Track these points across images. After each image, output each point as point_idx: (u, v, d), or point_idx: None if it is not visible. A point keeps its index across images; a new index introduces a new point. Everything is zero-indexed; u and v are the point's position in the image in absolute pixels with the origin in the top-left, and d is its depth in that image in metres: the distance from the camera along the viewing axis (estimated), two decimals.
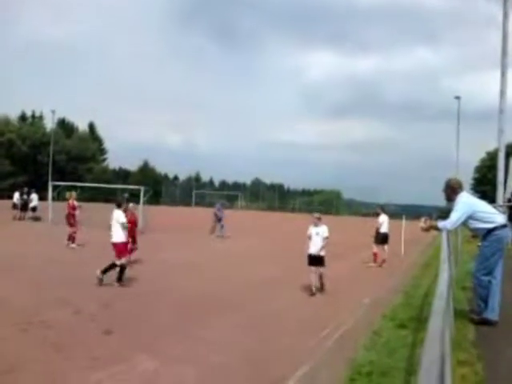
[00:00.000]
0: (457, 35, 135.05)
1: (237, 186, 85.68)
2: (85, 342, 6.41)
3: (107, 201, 61.31)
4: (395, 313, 8.41)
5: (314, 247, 10.19)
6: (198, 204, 71.20)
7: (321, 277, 10.39)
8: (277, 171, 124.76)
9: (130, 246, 12.06)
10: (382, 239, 15.79)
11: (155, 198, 61.16)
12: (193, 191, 74.13)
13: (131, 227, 12.14)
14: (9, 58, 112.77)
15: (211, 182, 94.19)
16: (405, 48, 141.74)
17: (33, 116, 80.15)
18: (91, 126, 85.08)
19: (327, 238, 10.19)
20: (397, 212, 35.78)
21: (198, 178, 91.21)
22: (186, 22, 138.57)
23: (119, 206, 11.07)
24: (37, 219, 26.86)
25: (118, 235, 10.61)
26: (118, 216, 10.67)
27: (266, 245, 21.37)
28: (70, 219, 17.14)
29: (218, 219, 24.18)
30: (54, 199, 28.10)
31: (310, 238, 10.36)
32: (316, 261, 10.19)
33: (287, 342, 6.90)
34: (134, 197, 28.07)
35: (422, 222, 7.46)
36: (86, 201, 36.90)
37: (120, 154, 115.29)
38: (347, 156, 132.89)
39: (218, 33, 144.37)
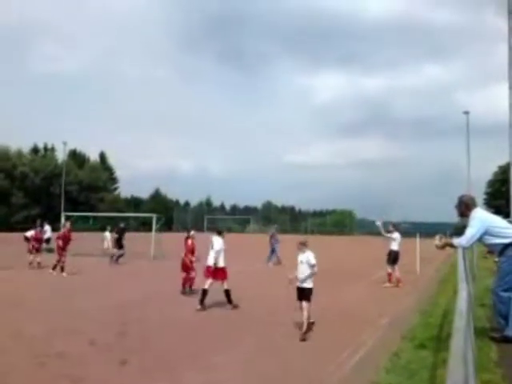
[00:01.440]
0: (465, 50, 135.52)
1: (248, 210, 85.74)
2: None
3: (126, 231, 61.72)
4: (414, 333, 8.28)
5: (299, 278, 8.68)
6: (209, 229, 71.20)
7: (308, 315, 8.59)
8: (288, 193, 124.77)
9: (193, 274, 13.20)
10: (394, 258, 15.54)
11: (167, 225, 61.30)
12: (204, 216, 74.19)
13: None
14: (20, 91, 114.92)
15: (222, 207, 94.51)
16: (413, 65, 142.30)
17: (45, 148, 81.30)
18: (102, 156, 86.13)
19: (314, 265, 8.61)
20: (410, 230, 35.50)
21: (209, 203, 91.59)
22: (195, 46, 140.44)
23: (220, 233, 11.74)
24: (50, 251, 26.92)
25: (221, 261, 11.28)
26: (219, 243, 11.34)
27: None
28: (61, 248, 17.43)
29: (273, 246, 23.32)
30: None
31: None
32: (301, 294, 8.65)
33: (304, 364, 6.78)
34: (146, 225, 28.16)
35: (437, 240, 7.40)
36: (99, 230, 37.06)
37: (131, 183, 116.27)
38: (359, 175, 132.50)
39: (228, 55, 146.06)
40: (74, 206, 53.43)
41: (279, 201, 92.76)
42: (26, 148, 77.52)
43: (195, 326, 9.31)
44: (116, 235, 22.02)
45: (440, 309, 10.52)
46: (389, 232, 16.24)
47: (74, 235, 18.70)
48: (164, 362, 6.88)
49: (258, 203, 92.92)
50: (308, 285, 8.64)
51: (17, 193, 69.43)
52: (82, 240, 21.28)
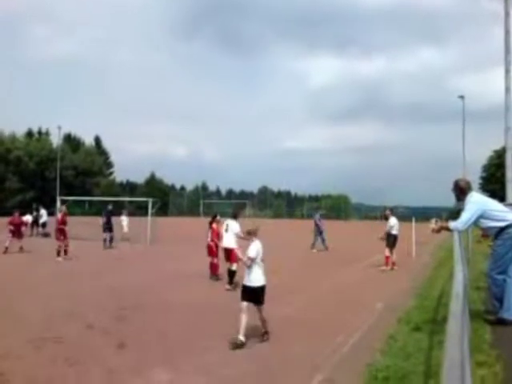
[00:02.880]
0: (461, 34, 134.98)
1: (244, 195, 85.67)
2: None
3: (113, 214, 61.81)
4: (410, 316, 8.33)
5: (247, 274, 7.06)
6: (206, 214, 71.16)
7: (263, 321, 7.19)
8: (284, 178, 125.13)
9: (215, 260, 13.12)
10: (393, 242, 15.65)
11: (163, 210, 61.22)
12: (200, 201, 74.14)
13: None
14: (14, 75, 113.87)
15: (218, 192, 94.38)
16: (409, 49, 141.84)
17: (39, 132, 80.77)
18: (97, 140, 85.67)
19: (249, 257, 6.95)
20: (406, 214, 35.61)
21: (204, 188, 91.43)
22: (189, 32, 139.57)
23: (235, 217, 12.45)
24: (46, 235, 26.91)
25: (231, 241, 11.69)
26: (234, 226, 11.92)
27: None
28: (60, 233, 17.56)
29: (320, 232, 22.61)
30: None
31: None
32: (250, 295, 6.98)
33: (300, 350, 6.82)
34: (142, 209, 28.13)
35: (433, 224, 7.42)
36: (94, 215, 37.05)
37: (127, 167, 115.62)
38: (354, 160, 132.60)
39: (221, 40, 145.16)
40: (69, 191, 53.23)
41: (275, 185, 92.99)
42: (20, 132, 77.08)
43: (195, 311, 9.33)
44: (105, 219, 21.87)
45: (435, 292, 10.59)
46: (386, 217, 16.36)
47: (70, 219, 18.71)
48: (161, 345, 6.91)
49: (253, 188, 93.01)
50: (256, 282, 6.98)
51: (11, 177, 69.10)
52: (78, 224, 21.24)
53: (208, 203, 76.93)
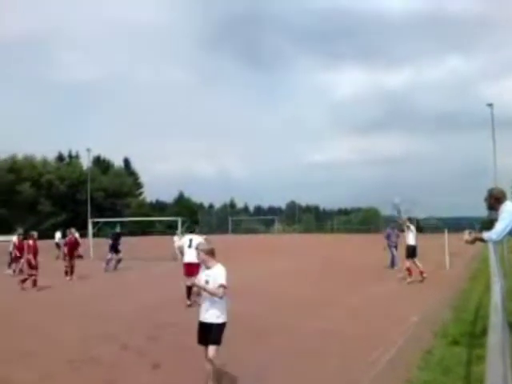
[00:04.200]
0: (488, 41, 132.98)
1: (272, 211, 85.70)
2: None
3: (144, 233, 63.21)
4: (446, 329, 8.16)
5: (204, 308, 5.59)
6: (234, 231, 71.34)
7: (213, 370, 5.58)
8: (312, 192, 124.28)
9: None
10: (412, 252, 15.35)
11: (192, 228, 61.57)
12: (228, 218, 74.38)
13: None
14: (44, 99, 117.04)
15: (246, 208, 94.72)
16: (435, 58, 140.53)
17: (69, 156, 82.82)
18: (126, 162, 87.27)
19: (223, 286, 5.44)
20: (438, 226, 35.03)
21: (232, 205, 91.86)
22: (213, 48, 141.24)
23: (194, 232, 12.95)
24: (79, 257, 27.32)
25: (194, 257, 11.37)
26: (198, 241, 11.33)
27: None
28: (69, 254, 18.08)
29: (394, 246, 19.51)
30: (94, 236, 28.66)
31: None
32: (204, 333, 5.57)
33: (336, 364, 6.74)
34: (172, 228, 28.45)
35: (467, 235, 7.28)
36: (126, 235, 37.49)
37: (156, 187, 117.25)
38: (382, 172, 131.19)
39: (245, 55, 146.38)
40: (100, 212, 54.19)
41: (303, 200, 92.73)
42: (51, 156, 79.14)
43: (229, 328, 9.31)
44: (111, 241, 21.85)
45: (472, 304, 10.36)
46: (402, 229, 16.19)
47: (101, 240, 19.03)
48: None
49: (281, 203, 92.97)
50: (215, 319, 5.50)
51: (44, 201, 70.82)
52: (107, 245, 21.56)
53: (236, 220, 77.22)
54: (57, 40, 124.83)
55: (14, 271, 19.50)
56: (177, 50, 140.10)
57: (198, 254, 5.75)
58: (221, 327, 5.52)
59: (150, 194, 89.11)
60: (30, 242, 15.84)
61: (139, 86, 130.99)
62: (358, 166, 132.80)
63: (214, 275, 5.45)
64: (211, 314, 5.47)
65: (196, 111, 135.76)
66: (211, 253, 5.67)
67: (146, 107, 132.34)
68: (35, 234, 16.38)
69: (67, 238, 19.24)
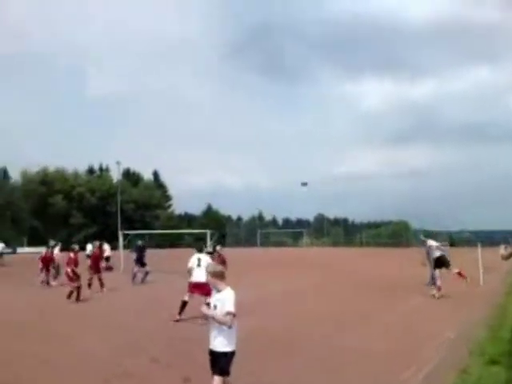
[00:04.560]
0: None
1: (300, 223, 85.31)
2: None
3: (173, 246, 63.60)
4: (483, 347, 7.89)
5: (212, 335, 5.15)
6: (263, 244, 71.15)
7: None
8: (340, 205, 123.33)
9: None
10: (440, 264, 15.08)
11: (220, 241, 61.85)
12: (257, 231, 74.29)
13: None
14: (75, 114, 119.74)
15: (274, 221, 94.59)
16: (461, 69, 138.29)
17: (100, 168, 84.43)
18: (155, 174, 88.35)
19: (230, 314, 5.01)
20: (471, 239, 34.25)
21: (261, 218, 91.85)
22: (236, 60, 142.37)
23: (201, 251, 12.37)
24: (109, 269, 27.65)
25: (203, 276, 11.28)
26: (206, 260, 11.58)
27: None
28: (94, 266, 17.93)
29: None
30: (124, 248, 28.95)
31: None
32: (214, 361, 5.14)
33: (366, 382, 6.57)
34: (200, 240, 28.56)
35: (502, 249, 7.08)
36: (154, 247, 37.82)
37: (184, 200, 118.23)
38: (411, 184, 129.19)
39: (270, 68, 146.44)
40: (129, 224, 54.80)
41: (331, 213, 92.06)
42: (82, 169, 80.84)
43: (247, 342, 9.23)
44: (136, 254, 21.88)
45: (509, 321, 10.02)
46: (422, 244, 15.96)
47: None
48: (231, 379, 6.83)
49: (309, 216, 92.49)
50: (222, 347, 5.09)
51: (75, 213, 72.22)
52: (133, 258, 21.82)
53: (265, 233, 77.09)
54: (86, 56, 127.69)
55: (42, 282, 19.75)
56: (202, 63, 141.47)
57: (207, 276, 5.39)
58: (228, 357, 5.06)
59: (178, 206, 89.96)
60: (71, 254, 16.07)
61: (167, 99, 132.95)
62: (384, 177, 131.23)
63: (222, 300, 5.07)
64: (219, 342, 5.06)
65: (224, 124, 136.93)
66: (220, 275, 5.24)
67: (175, 121, 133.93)
68: (76, 247, 16.69)
69: (91, 251, 19.50)
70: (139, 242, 23.50)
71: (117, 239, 33.29)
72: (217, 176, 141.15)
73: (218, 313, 5.01)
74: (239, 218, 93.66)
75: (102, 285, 17.62)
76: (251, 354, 8.42)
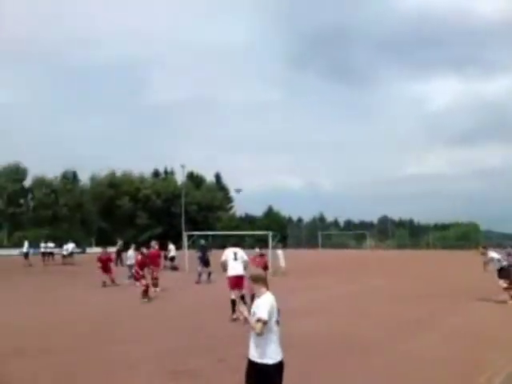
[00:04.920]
0: None
1: (363, 225, 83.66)
2: None
3: (235, 247, 63.27)
4: None
5: (251, 343, 4.73)
6: (324, 246, 70.34)
7: None
8: (405, 206, 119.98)
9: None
10: (505, 275, 14.43)
11: (281, 242, 61.75)
12: (318, 232, 73.55)
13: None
14: (140, 119, 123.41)
15: (336, 223, 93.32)
16: None
17: (165, 171, 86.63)
18: (217, 177, 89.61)
19: (260, 321, 4.59)
20: None
21: (322, 219, 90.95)
22: (299, 64, 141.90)
23: (237, 245, 13.10)
24: (175, 268, 28.17)
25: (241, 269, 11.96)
26: (242, 254, 12.32)
27: None
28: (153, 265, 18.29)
29: None
30: (189, 248, 29.42)
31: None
32: (252, 374, 4.70)
33: None
34: (261, 242, 28.64)
35: None
36: (217, 248, 38.14)
37: (245, 201, 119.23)
38: (480, 184, 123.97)
39: (332, 69, 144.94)
40: (193, 225, 55.77)
41: (396, 214, 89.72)
42: (147, 172, 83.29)
43: (321, 342, 9.03)
44: (200, 254, 22.21)
45: None
46: (484, 254, 15.23)
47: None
48: (297, 380, 6.67)
49: (373, 218, 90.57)
50: (259, 357, 4.62)
51: (141, 214, 74.49)
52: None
53: (326, 234, 76.22)
54: (151, 61, 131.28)
55: (104, 283, 20.18)
56: (264, 68, 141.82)
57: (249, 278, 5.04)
58: (267, 369, 4.53)
59: (239, 207, 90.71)
60: (139, 255, 16.99)
61: (229, 104, 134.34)
62: (454, 178, 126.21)
63: (258, 306, 4.68)
64: (257, 352, 4.60)
65: (284, 126, 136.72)
66: (259, 280, 4.85)
67: (236, 124, 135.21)
68: (144, 249, 17.54)
69: (152, 251, 19.63)
70: (202, 242, 23.85)
71: (181, 240, 33.93)
72: (278, 178, 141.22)
73: (253, 319, 4.62)
74: (300, 220, 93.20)
75: (156, 285, 17.80)
76: (321, 354, 8.23)
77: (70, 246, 36.82)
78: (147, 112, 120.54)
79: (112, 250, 21.70)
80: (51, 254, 36.43)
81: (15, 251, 42.24)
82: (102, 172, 77.55)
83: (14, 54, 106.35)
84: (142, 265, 16.30)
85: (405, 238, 74.97)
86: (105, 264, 20.58)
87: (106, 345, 9.22)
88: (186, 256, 28.15)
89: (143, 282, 15.71)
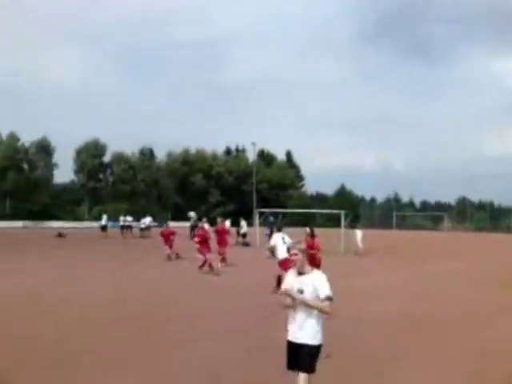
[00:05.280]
0: None
1: (440, 207, 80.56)
2: None
3: (304, 225, 62.98)
4: None
5: (295, 325, 4.36)
6: (399, 227, 68.24)
7: None
8: (485, 188, 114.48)
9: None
10: None
11: (354, 222, 60.67)
12: (393, 213, 71.54)
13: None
14: (213, 99, 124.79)
15: (411, 203, 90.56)
16: None
17: (236, 149, 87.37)
18: (288, 155, 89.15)
19: (329, 299, 4.22)
20: None
21: (396, 200, 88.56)
22: (373, 41, 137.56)
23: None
24: (246, 245, 28.39)
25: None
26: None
27: None
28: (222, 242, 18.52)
29: None
30: (260, 225, 29.53)
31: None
32: (295, 355, 4.37)
33: None
34: (333, 221, 28.17)
35: None
36: (287, 226, 38.09)
37: (316, 180, 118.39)
38: None
39: (407, 46, 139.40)
40: (264, 203, 55.93)
41: (475, 196, 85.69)
42: (220, 150, 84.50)
43: (391, 326, 8.64)
44: (269, 230, 22.38)
45: None
46: None
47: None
48: (369, 358, 6.38)
49: (450, 199, 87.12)
50: (309, 339, 4.29)
51: (213, 191, 75.88)
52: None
53: (401, 215, 74.03)
54: (225, 40, 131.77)
55: (168, 255, 20.47)
56: (337, 45, 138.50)
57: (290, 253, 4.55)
58: (316, 350, 4.29)
59: (310, 186, 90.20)
60: (200, 230, 17.33)
61: (300, 81, 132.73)
62: None
63: (312, 284, 4.22)
64: (305, 334, 4.25)
65: (357, 104, 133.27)
66: (309, 256, 4.49)
67: (308, 102, 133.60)
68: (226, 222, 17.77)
69: (219, 227, 19.72)
70: (271, 219, 23.94)
71: (252, 217, 34.11)
72: (350, 156, 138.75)
73: (308, 297, 4.20)
74: (373, 199, 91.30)
75: (223, 260, 17.97)
76: (394, 337, 7.89)
77: (147, 220, 38.19)
78: (221, 91, 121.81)
79: (175, 225, 22.04)
80: (130, 227, 37.91)
81: (95, 224, 44.23)
82: (177, 149, 79.57)
83: (91, 34, 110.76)
84: (202, 239, 16.43)
85: (485, 221, 71.42)
86: (167, 238, 20.99)
87: (160, 323, 9.03)
88: (257, 233, 28.30)
89: (206, 256, 15.90)
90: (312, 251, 12.47)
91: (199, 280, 14.59)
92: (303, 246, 4.50)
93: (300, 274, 4.32)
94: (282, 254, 12.12)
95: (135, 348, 7.10)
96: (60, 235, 35.56)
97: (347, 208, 44.38)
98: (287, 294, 4.30)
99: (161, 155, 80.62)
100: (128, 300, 11.10)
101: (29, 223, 53.23)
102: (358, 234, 25.32)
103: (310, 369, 4.25)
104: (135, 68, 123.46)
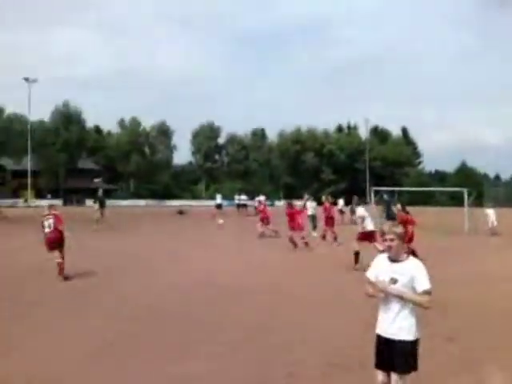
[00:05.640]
0: None
1: None
2: None
3: (425, 203, 60.63)
4: None
5: (387, 318, 3.77)
6: None
7: None
8: None
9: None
10: None
11: (478, 200, 56.92)
12: None
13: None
14: (323, 76, 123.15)
15: None
16: None
17: (348, 127, 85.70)
18: (404, 131, 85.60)
19: (427, 293, 3.61)
20: None
21: None
22: (499, 4, 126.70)
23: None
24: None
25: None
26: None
27: None
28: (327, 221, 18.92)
29: None
30: (376, 204, 28.66)
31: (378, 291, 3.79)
32: (387, 353, 3.74)
33: None
34: (454, 199, 26.52)
35: None
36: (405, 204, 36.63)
37: (435, 156, 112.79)
38: None
39: None
40: (378, 181, 54.37)
41: None
42: (331, 128, 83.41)
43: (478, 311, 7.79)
44: (384, 208, 21.63)
45: None
46: None
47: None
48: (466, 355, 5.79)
49: None
50: (405, 335, 3.69)
51: (326, 169, 75.31)
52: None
53: None
54: (338, 18, 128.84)
55: (262, 233, 20.37)
56: (458, 11, 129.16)
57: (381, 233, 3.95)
58: (412, 347, 3.68)
59: (428, 163, 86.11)
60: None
61: (417, 55, 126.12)
62: None
63: (409, 274, 3.65)
64: (399, 329, 3.67)
65: (479, 77, 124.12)
66: (404, 240, 3.84)
67: (424, 76, 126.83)
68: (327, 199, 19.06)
69: (326, 205, 19.72)
70: (385, 197, 23.12)
71: (365, 195, 33.22)
72: (472, 132, 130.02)
73: (401, 288, 3.63)
74: (497, 177, 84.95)
75: (335, 238, 17.85)
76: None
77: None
78: (331, 70, 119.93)
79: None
80: (245, 205, 38.74)
81: (211, 202, 45.87)
82: (288, 128, 79.85)
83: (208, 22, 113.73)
84: (290, 217, 16.49)
85: None
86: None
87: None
88: (373, 211, 27.50)
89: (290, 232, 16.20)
90: (407, 225, 11.88)
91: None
92: (400, 229, 3.86)
93: (393, 261, 3.78)
94: (369, 225, 12.36)
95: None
96: (181, 212, 37.79)
97: (469, 186, 41.70)
98: (380, 288, 3.71)
99: (272, 135, 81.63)
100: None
101: (151, 202, 56.65)
102: (491, 213, 23.44)
103: (406, 369, 3.67)
104: (247, 54, 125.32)
